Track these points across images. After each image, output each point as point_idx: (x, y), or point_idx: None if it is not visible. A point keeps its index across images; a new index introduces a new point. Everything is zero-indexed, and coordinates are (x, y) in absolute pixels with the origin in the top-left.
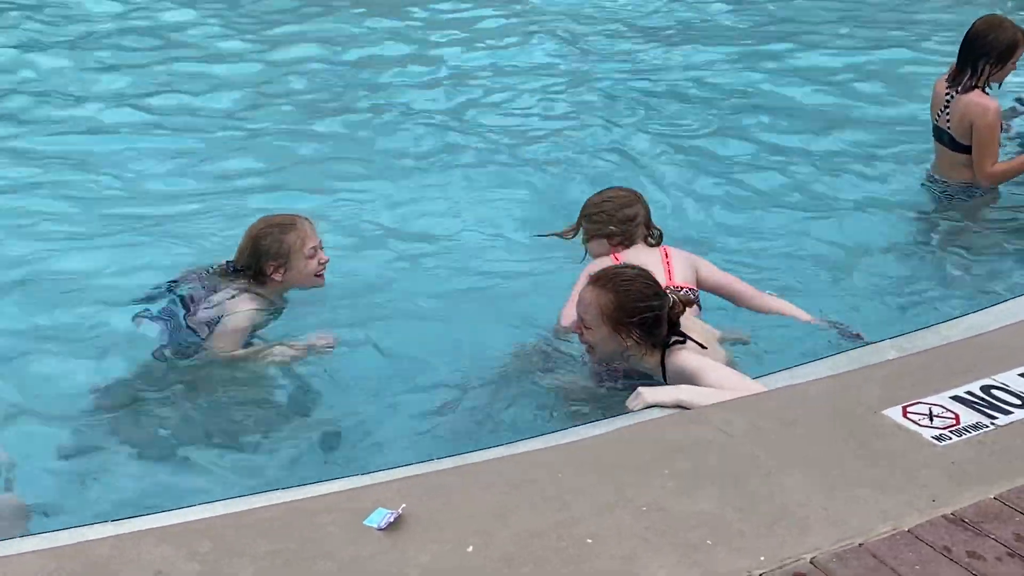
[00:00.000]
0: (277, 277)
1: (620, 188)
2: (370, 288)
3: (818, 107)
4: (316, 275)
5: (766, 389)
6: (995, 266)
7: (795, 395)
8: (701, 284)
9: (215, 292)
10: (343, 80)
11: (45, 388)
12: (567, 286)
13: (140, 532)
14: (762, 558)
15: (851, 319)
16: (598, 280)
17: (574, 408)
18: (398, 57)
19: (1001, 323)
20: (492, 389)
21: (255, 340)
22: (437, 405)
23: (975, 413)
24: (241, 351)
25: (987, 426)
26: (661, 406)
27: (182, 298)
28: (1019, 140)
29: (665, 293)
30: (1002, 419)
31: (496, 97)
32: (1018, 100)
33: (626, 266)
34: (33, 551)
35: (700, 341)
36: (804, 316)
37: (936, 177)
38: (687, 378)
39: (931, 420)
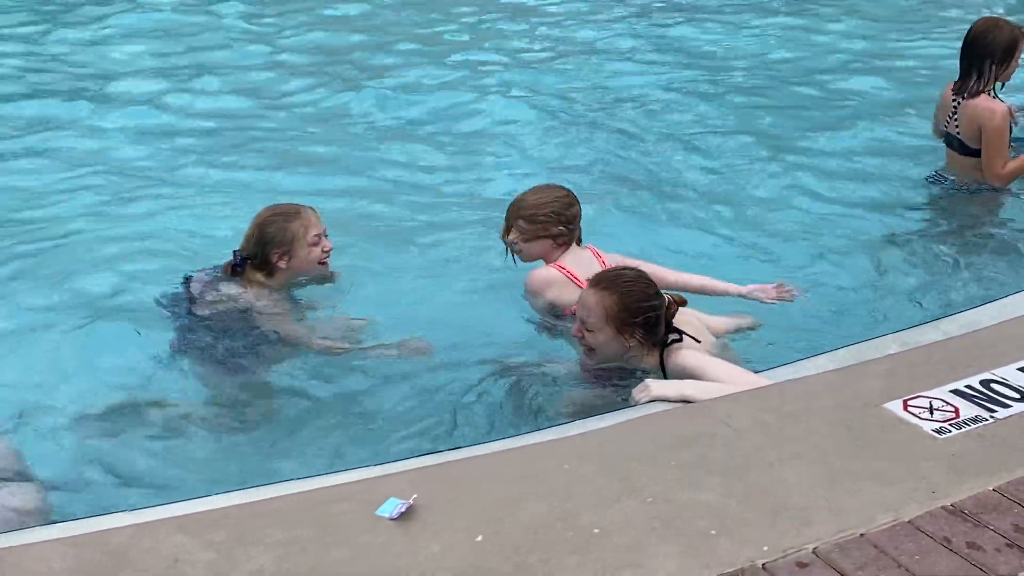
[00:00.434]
0: (282, 264)
1: (555, 186)
2: (378, 280)
3: (822, 102)
4: (320, 263)
5: (769, 383)
6: (995, 262)
7: (797, 389)
8: None
9: (220, 284)
10: (359, 74)
11: (62, 378)
12: None
13: (157, 521)
14: (765, 548)
15: (855, 314)
16: (600, 283)
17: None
18: (410, 51)
19: (1001, 318)
20: (503, 384)
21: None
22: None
23: (975, 407)
24: (327, 342)
25: (986, 419)
26: (666, 400)
27: (188, 287)
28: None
29: (660, 292)
30: (1001, 412)
31: (515, 90)
32: None
33: (623, 268)
34: (52, 539)
35: (694, 335)
36: (730, 288)
37: (944, 174)
38: (690, 375)
39: (931, 413)
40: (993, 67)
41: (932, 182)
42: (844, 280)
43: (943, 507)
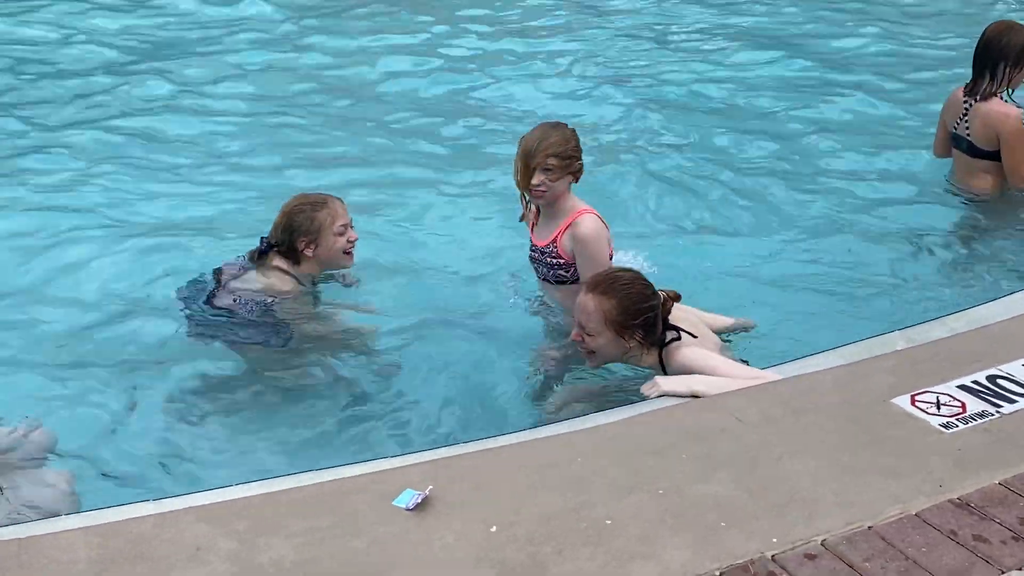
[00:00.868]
0: (308, 253)
1: (558, 122)
2: (398, 275)
3: (833, 102)
4: (345, 252)
5: (775, 377)
6: (1001, 261)
7: (806, 384)
8: None
9: (245, 273)
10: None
11: (89, 372)
12: None
13: (180, 511)
14: (774, 540)
15: (862, 310)
16: (597, 287)
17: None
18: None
19: (1007, 315)
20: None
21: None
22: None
23: (981, 402)
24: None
25: (993, 414)
26: (676, 395)
27: (218, 276)
28: None
29: (655, 291)
30: (1007, 408)
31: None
32: None
33: (619, 270)
34: (78, 528)
35: (691, 331)
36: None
37: (952, 181)
38: (694, 373)
39: (938, 408)
40: (1007, 70)
41: (945, 191)
42: (853, 278)
43: (950, 500)
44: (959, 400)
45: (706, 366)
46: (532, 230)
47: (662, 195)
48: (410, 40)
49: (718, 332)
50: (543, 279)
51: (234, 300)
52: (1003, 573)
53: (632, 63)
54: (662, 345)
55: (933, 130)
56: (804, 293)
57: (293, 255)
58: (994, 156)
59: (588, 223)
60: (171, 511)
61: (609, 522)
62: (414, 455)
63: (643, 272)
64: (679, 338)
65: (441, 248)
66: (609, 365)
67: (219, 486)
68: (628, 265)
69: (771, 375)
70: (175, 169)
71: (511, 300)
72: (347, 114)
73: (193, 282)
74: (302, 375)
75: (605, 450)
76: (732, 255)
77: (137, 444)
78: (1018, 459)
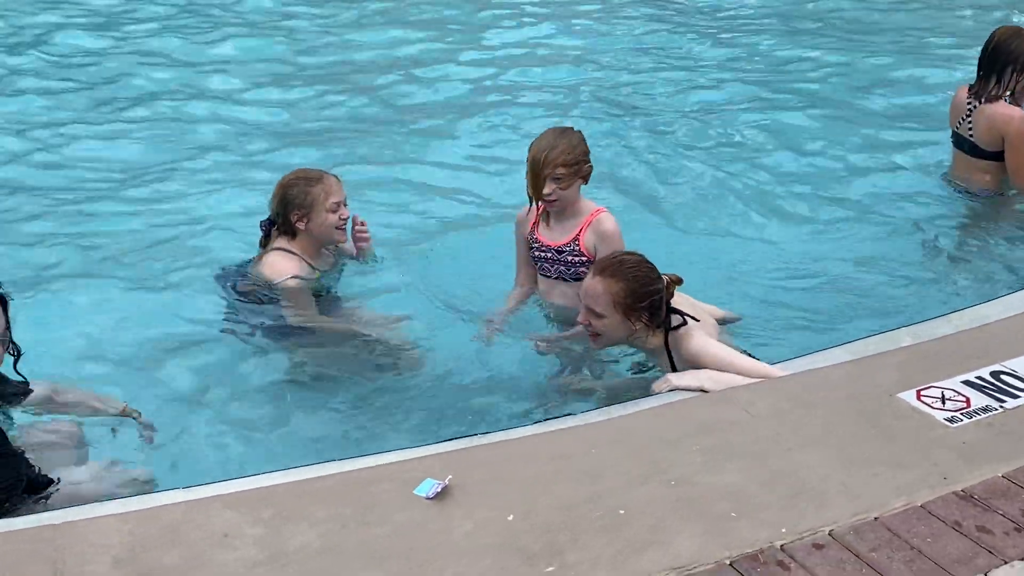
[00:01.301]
0: (301, 226)
1: (564, 127)
2: (422, 264)
3: (839, 103)
4: (337, 228)
5: (780, 372)
6: (1004, 259)
7: (815, 378)
8: None
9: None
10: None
11: (119, 359)
12: None
13: (208, 498)
14: (783, 530)
15: (869, 308)
16: (604, 270)
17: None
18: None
19: (1010, 313)
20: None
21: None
22: None
23: (985, 397)
24: (343, 325)
25: (996, 409)
26: (686, 390)
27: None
28: None
29: (660, 275)
30: (1010, 403)
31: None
32: None
33: (625, 254)
34: (110, 515)
35: (692, 314)
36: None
37: (952, 179)
38: (702, 362)
39: (943, 403)
40: (1014, 74)
41: (943, 189)
42: (860, 276)
43: (954, 492)
44: (963, 395)
45: (716, 357)
46: (536, 231)
47: (671, 193)
48: (430, 33)
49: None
50: (556, 277)
51: (249, 290)
52: (1006, 563)
53: (643, 59)
54: (668, 329)
55: (933, 131)
56: (811, 291)
57: (288, 229)
58: (994, 156)
59: (609, 220)
60: (200, 499)
61: (623, 511)
62: (434, 446)
63: None
64: (685, 323)
65: (460, 240)
66: (618, 360)
67: (246, 475)
68: None
69: (776, 371)
70: (205, 164)
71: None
72: (367, 111)
73: (240, 266)
74: (327, 366)
75: (619, 442)
76: (738, 254)
77: (166, 434)
78: (1021, 453)
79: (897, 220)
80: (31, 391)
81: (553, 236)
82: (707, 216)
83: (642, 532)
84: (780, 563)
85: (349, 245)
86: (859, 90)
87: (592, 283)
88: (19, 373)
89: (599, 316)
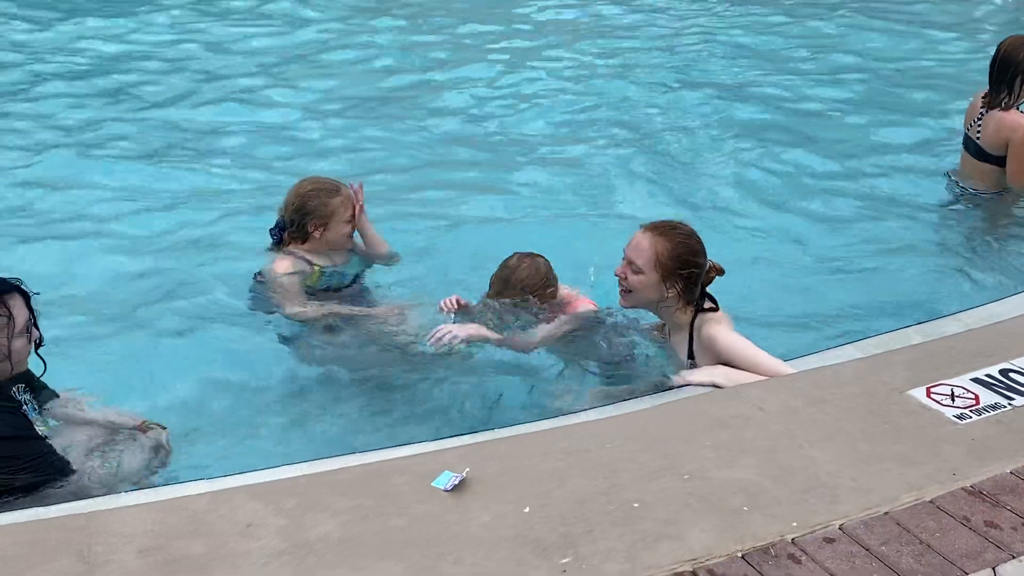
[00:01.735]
0: (316, 235)
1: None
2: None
3: (851, 106)
4: (348, 236)
5: (793, 371)
6: (1012, 259)
7: (826, 375)
8: None
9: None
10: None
11: (148, 353)
12: None
13: (232, 489)
14: (795, 524)
15: (881, 306)
16: (657, 228)
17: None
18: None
19: (1019, 311)
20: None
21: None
22: None
23: (994, 394)
24: (327, 309)
25: (1005, 406)
26: (700, 385)
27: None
28: None
29: (706, 256)
30: (1019, 400)
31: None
32: None
33: (678, 222)
34: (138, 504)
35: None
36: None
37: (957, 180)
38: (719, 352)
39: (953, 400)
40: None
41: (947, 188)
42: (871, 276)
43: (963, 488)
44: (973, 392)
45: (734, 346)
46: None
47: (686, 190)
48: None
49: None
50: None
51: (259, 275)
52: (1014, 558)
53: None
54: (698, 309)
55: (943, 132)
56: (822, 289)
57: (301, 235)
58: (997, 161)
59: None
60: (224, 489)
61: (637, 505)
62: (452, 439)
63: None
64: (716, 308)
65: (475, 237)
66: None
67: (269, 466)
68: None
69: (787, 367)
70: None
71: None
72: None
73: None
74: (345, 361)
75: (634, 437)
76: (749, 252)
77: (191, 424)
78: None
79: (906, 220)
80: (56, 394)
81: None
82: (719, 215)
83: (656, 525)
84: (791, 556)
85: (362, 244)
86: (872, 91)
87: (640, 237)
88: (40, 358)
89: (637, 272)
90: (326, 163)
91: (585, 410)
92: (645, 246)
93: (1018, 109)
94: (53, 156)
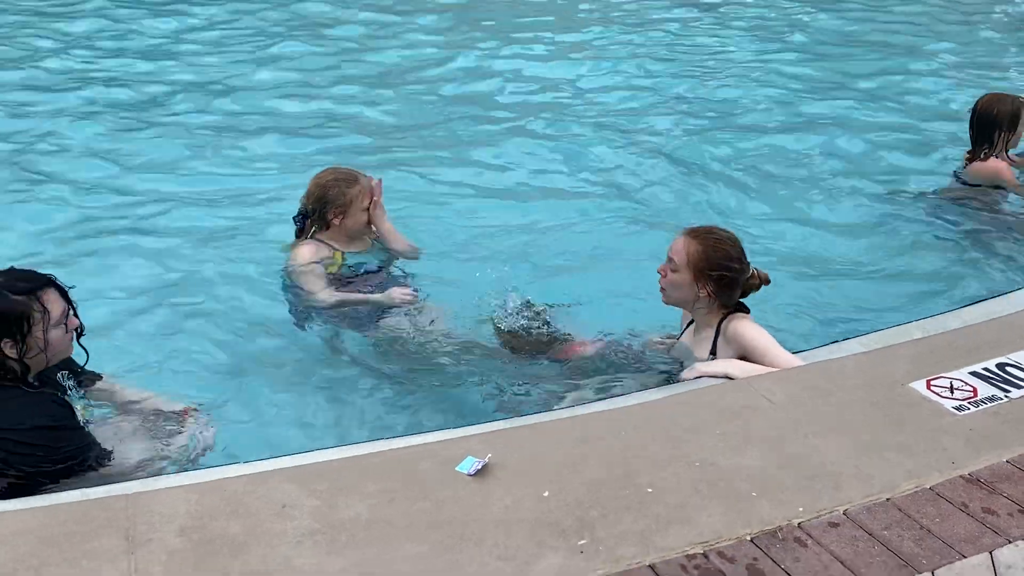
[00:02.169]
0: (336, 222)
1: None
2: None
3: (855, 105)
4: (368, 224)
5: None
6: (1011, 257)
7: (831, 368)
8: None
9: None
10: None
11: (180, 343)
12: None
13: (268, 472)
14: (801, 509)
15: (884, 302)
16: (694, 231)
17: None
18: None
19: (1016, 308)
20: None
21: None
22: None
23: (991, 387)
24: (335, 296)
25: (1001, 398)
26: (712, 376)
27: None
28: None
29: (746, 262)
30: (1015, 392)
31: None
32: None
33: (720, 228)
34: (178, 486)
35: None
36: None
37: (961, 176)
38: (744, 344)
39: (952, 392)
40: (1002, 134)
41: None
42: (874, 274)
43: (961, 476)
44: (971, 385)
45: (757, 340)
46: None
47: (696, 187)
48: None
49: None
50: None
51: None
52: (1010, 543)
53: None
54: (729, 312)
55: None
56: (828, 286)
57: (322, 223)
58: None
59: None
60: (260, 472)
61: (650, 490)
62: (475, 426)
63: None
64: (747, 311)
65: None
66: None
67: (302, 450)
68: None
69: (801, 363)
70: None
71: None
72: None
73: None
74: (380, 352)
75: (646, 426)
76: (759, 250)
77: (229, 410)
78: None
79: (910, 221)
80: (100, 377)
81: None
82: (729, 211)
83: (668, 509)
84: (798, 539)
85: (388, 235)
86: (881, 91)
87: (679, 238)
88: (83, 347)
89: (674, 270)
90: (348, 156)
91: (600, 400)
92: (680, 247)
93: (997, 157)
94: (86, 150)
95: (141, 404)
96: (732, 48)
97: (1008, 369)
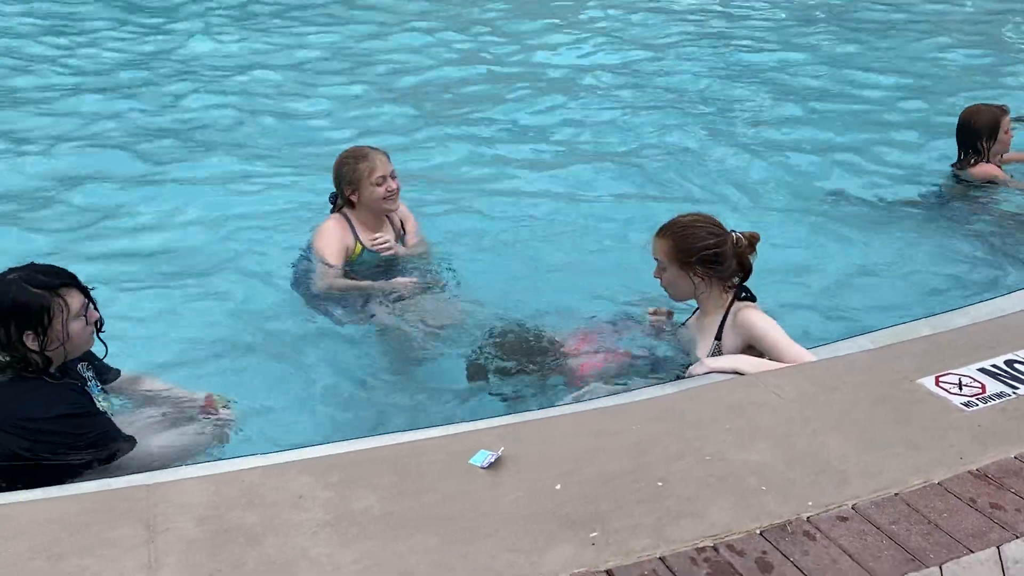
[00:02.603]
0: (353, 199)
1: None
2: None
3: (863, 104)
4: (384, 199)
5: (816, 358)
6: (1019, 255)
7: (840, 364)
8: None
9: None
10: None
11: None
12: None
13: (284, 464)
14: (810, 503)
15: (893, 299)
16: (661, 229)
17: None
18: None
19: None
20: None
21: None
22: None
23: (999, 383)
24: (345, 283)
25: (1009, 395)
26: (720, 372)
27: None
28: None
29: (724, 231)
30: (1023, 389)
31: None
32: None
33: (683, 215)
34: (196, 477)
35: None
36: None
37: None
38: (754, 333)
39: (960, 388)
40: (985, 142)
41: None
42: (885, 272)
43: (969, 471)
44: (979, 382)
45: (767, 332)
46: None
47: (702, 184)
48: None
49: None
50: None
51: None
52: (1017, 538)
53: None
54: (737, 296)
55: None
56: (835, 283)
57: (346, 201)
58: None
59: None
60: (276, 464)
61: (661, 484)
62: (487, 420)
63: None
64: (755, 299)
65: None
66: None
67: (317, 443)
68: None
69: (811, 355)
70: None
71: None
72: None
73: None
74: (401, 348)
75: (657, 420)
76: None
77: (247, 402)
78: None
79: (917, 219)
80: (119, 372)
81: None
82: (734, 210)
83: (679, 503)
84: (807, 533)
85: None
86: (887, 90)
87: (654, 241)
88: (102, 341)
89: (663, 270)
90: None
91: (612, 395)
92: (657, 247)
93: (984, 162)
94: (110, 146)
95: (162, 395)
96: (747, 44)
97: (1016, 366)
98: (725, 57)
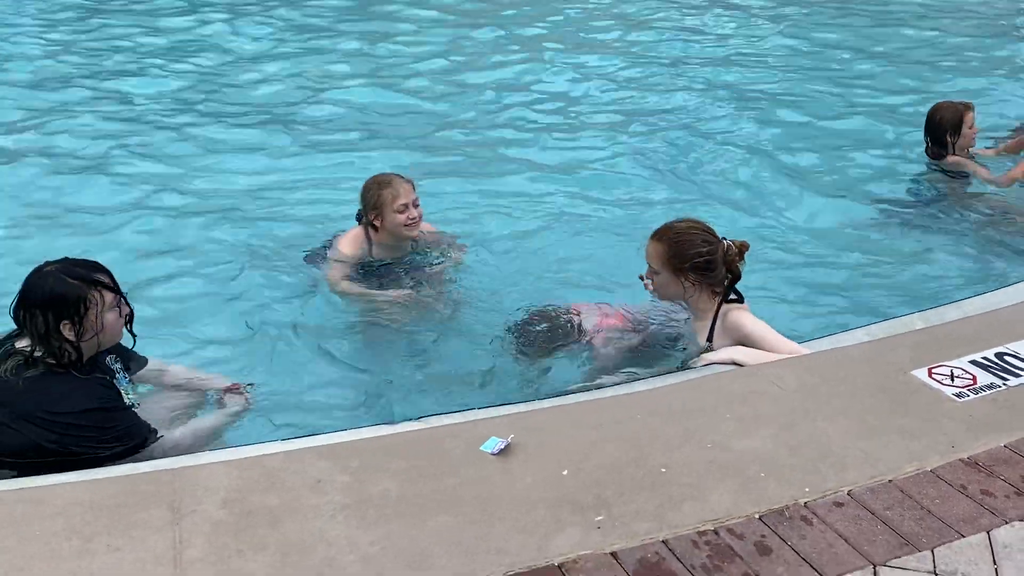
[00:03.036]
0: (376, 223)
1: None
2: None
3: (862, 104)
4: (405, 226)
5: (810, 352)
6: (1012, 251)
7: (837, 356)
8: None
9: None
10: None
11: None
12: None
13: (304, 449)
14: (807, 489)
15: (889, 295)
16: (656, 233)
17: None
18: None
19: (1014, 300)
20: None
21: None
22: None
23: (990, 375)
24: (348, 286)
25: (1000, 386)
26: (720, 363)
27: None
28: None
29: (717, 239)
30: (1013, 381)
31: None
32: None
33: (678, 220)
34: (220, 461)
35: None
36: None
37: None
38: (745, 335)
39: (952, 380)
40: (951, 136)
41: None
42: (880, 267)
43: (961, 459)
44: (971, 373)
45: (756, 331)
46: None
47: (704, 180)
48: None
49: None
50: None
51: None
52: (1007, 523)
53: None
54: (725, 299)
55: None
56: (834, 279)
57: (368, 224)
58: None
59: None
60: (296, 449)
61: (664, 470)
62: (497, 408)
63: None
64: (742, 300)
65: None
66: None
67: (336, 429)
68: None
69: (803, 349)
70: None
71: None
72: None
73: (323, 247)
74: (408, 339)
75: (660, 409)
76: (769, 246)
77: (267, 391)
78: (1022, 425)
79: (909, 214)
80: (146, 361)
81: None
82: (737, 205)
83: (681, 489)
84: (804, 518)
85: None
86: (890, 89)
87: (648, 245)
88: (131, 332)
89: (655, 273)
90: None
91: (616, 385)
92: (651, 252)
93: (955, 155)
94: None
95: (186, 382)
96: (753, 38)
97: (1006, 358)
98: (725, 57)
